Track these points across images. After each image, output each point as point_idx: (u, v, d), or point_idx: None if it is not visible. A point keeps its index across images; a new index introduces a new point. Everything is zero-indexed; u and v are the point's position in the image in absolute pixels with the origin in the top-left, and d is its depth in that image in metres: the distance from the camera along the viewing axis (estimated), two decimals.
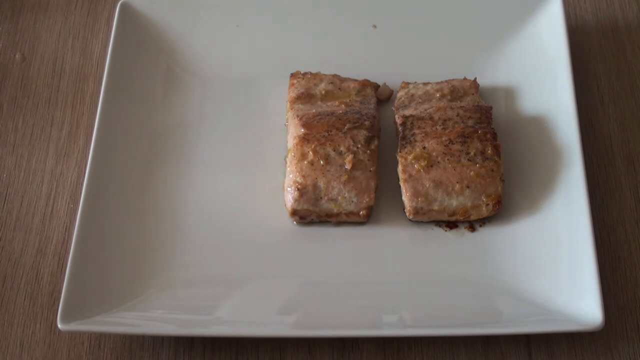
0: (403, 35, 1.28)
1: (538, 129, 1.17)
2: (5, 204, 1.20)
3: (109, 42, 1.24)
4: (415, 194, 1.11)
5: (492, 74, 1.24)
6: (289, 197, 1.12)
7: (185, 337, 1.07)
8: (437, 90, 1.20)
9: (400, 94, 1.21)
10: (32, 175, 1.22)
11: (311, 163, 1.12)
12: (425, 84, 1.21)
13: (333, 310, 1.06)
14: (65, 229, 1.17)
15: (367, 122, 1.15)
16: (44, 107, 1.28)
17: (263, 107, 1.24)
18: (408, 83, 1.22)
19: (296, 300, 1.08)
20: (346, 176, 1.11)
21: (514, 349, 1.06)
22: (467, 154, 1.12)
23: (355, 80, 1.22)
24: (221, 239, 1.13)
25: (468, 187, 1.10)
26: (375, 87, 1.23)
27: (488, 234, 1.12)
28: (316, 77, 1.22)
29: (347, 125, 1.14)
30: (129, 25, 1.26)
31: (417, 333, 1.05)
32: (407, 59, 1.26)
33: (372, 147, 1.14)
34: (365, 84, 1.22)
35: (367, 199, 1.11)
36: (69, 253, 1.07)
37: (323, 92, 1.20)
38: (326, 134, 1.14)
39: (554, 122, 1.17)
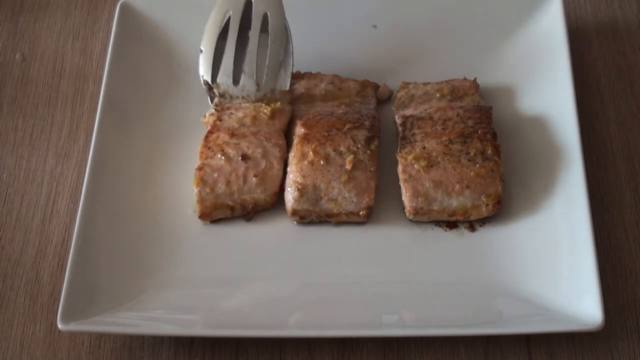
0: (403, 35, 1.28)
1: (538, 129, 1.17)
2: (5, 204, 1.20)
3: (109, 42, 1.24)
4: (415, 194, 1.11)
5: (492, 74, 1.24)
6: (289, 197, 1.12)
7: (185, 337, 1.08)
8: (437, 91, 1.20)
9: (400, 94, 1.21)
10: (32, 175, 1.22)
11: (311, 163, 1.12)
12: (425, 84, 1.21)
13: (333, 310, 1.06)
14: (65, 229, 1.17)
15: (367, 122, 1.15)
16: (44, 107, 1.28)
17: None
18: (408, 83, 1.22)
19: (296, 300, 1.08)
20: (346, 176, 1.11)
21: (514, 349, 1.06)
22: (467, 154, 1.12)
23: (355, 81, 1.22)
24: (221, 238, 1.13)
25: (468, 187, 1.10)
26: (375, 87, 1.23)
27: (488, 234, 1.12)
28: (316, 77, 1.22)
29: (347, 125, 1.14)
30: (129, 25, 1.26)
31: (417, 333, 1.05)
32: (407, 59, 1.26)
33: (372, 147, 1.14)
34: (365, 84, 1.22)
35: (367, 199, 1.11)
36: (69, 253, 1.07)
37: (323, 92, 1.20)
38: (326, 134, 1.14)
39: (554, 122, 1.17)
